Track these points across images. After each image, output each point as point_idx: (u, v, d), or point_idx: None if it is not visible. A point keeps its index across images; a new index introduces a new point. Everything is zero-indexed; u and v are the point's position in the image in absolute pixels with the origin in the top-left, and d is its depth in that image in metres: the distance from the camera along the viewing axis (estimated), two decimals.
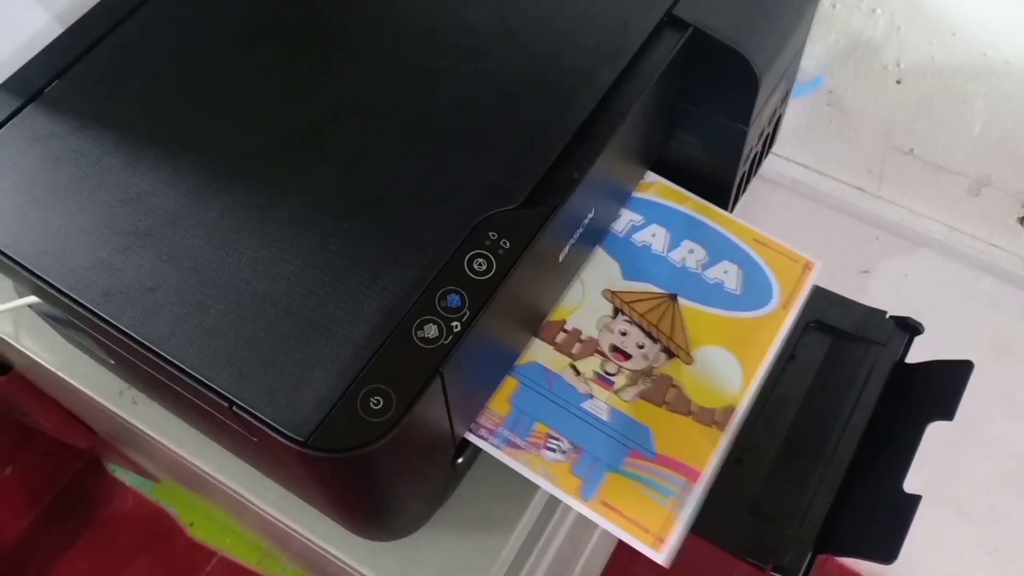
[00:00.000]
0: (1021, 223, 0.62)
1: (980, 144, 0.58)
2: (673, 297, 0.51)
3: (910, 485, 0.43)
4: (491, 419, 0.46)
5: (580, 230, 0.47)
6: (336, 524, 0.49)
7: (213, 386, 0.36)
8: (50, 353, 0.57)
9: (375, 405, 0.36)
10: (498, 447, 0.46)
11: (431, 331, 0.38)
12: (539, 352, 0.49)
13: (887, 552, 0.41)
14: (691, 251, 0.53)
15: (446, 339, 0.38)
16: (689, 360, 0.49)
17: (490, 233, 0.41)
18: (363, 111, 0.45)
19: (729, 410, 0.48)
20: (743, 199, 0.60)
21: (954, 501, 0.76)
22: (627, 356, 0.49)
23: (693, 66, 0.49)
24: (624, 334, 0.50)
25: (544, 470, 0.45)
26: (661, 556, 0.43)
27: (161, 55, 0.47)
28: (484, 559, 0.49)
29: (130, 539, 1.08)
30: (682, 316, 0.51)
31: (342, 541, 0.49)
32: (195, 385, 0.37)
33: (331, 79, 0.46)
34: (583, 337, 0.50)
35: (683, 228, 0.53)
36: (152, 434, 0.54)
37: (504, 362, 0.48)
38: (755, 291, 0.51)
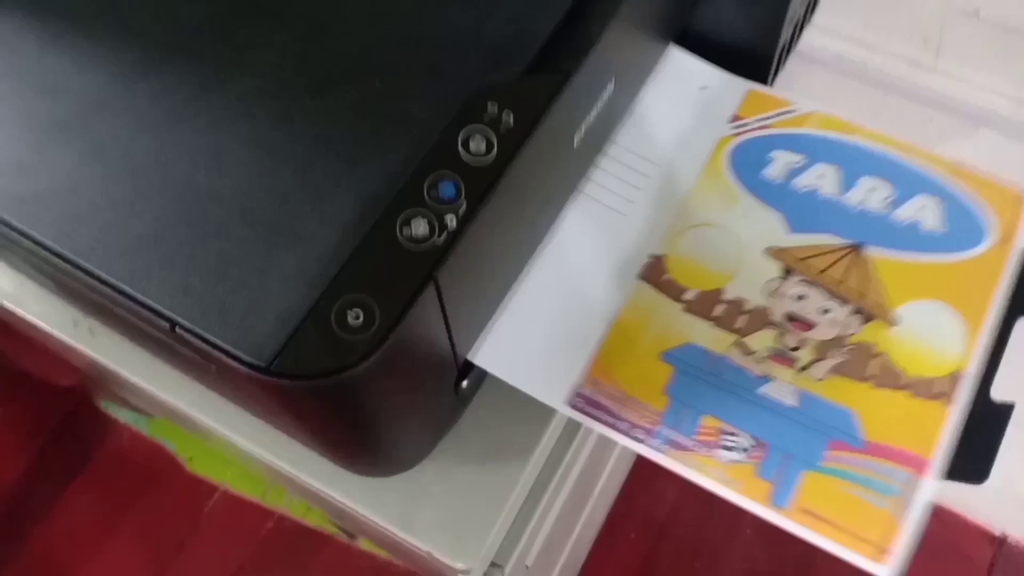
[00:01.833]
0: None
1: None
2: (857, 247, 0.42)
3: (999, 391, 0.37)
4: (645, 416, 0.38)
5: (599, 105, 0.39)
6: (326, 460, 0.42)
7: (150, 303, 0.29)
8: None
9: (354, 320, 0.29)
10: (659, 449, 0.38)
11: (420, 228, 0.30)
12: (693, 330, 0.41)
13: (977, 470, 0.35)
14: (872, 189, 0.43)
15: (439, 237, 0.30)
16: (892, 321, 0.40)
17: (489, 105, 0.33)
18: None
19: (954, 377, 0.39)
20: (779, 82, 0.52)
21: None
22: (810, 325, 0.41)
23: None
24: (801, 298, 0.41)
25: (721, 474, 0.37)
26: (886, 570, 0.35)
27: None
28: (498, 491, 0.43)
29: (128, 477, 1.05)
30: (874, 268, 0.41)
31: (335, 478, 0.43)
32: (131, 304, 0.30)
33: None
34: (748, 307, 0.41)
35: (857, 163, 0.44)
36: (114, 367, 0.48)
37: (516, 264, 0.40)
38: (963, 228, 0.42)
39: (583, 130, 0.39)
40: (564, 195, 0.42)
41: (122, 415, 1.07)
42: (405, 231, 0.30)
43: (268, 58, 0.34)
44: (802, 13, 0.50)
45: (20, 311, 0.50)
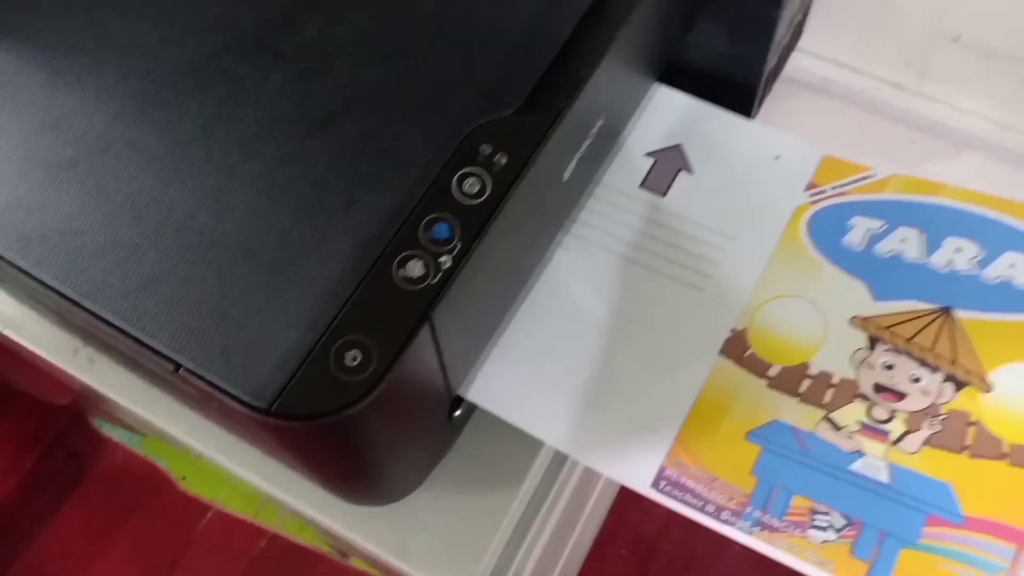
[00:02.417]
0: None
1: None
2: (947, 311, 0.41)
3: None
4: (733, 498, 0.38)
5: (588, 141, 0.40)
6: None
7: (154, 346, 0.30)
8: None
9: (351, 361, 0.29)
10: (749, 532, 0.37)
11: (415, 269, 0.31)
12: (780, 407, 0.39)
13: None
14: (959, 250, 0.42)
15: (434, 278, 0.31)
16: (987, 387, 0.39)
17: (483, 146, 0.34)
18: (324, 3, 0.37)
19: None
20: (766, 105, 0.53)
21: None
22: (900, 396, 0.39)
23: None
24: (890, 367, 0.40)
25: (815, 556, 0.36)
26: None
27: None
28: (490, 517, 0.44)
29: (122, 496, 1.05)
30: (964, 332, 0.40)
31: (330, 507, 0.44)
32: (135, 345, 0.31)
33: None
34: (835, 380, 0.40)
35: (941, 224, 0.43)
36: (113, 397, 0.48)
37: (508, 298, 0.41)
38: None
39: (573, 164, 0.40)
40: (556, 229, 0.43)
41: (116, 433, 1.07)
42: (401, 272, 0.31)
43: (268, 98, 0.35)
44: (787, 40, 0.51)
45: (20, 339, 0.50)
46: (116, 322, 0.31)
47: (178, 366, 0.30)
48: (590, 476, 0.63)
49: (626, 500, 0.99)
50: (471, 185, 0.33)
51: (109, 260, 0.32)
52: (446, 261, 0.32)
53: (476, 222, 0.33)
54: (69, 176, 0.34)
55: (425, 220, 0.32)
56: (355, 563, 0.97)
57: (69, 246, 0.32)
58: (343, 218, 0.32)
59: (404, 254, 0.31)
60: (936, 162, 0.61)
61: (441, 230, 0.32)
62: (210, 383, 0.29)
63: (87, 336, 0.43)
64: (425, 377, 0.34)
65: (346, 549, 0.95)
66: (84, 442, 1.08)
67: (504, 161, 0.33)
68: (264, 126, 0.34)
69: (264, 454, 0.43)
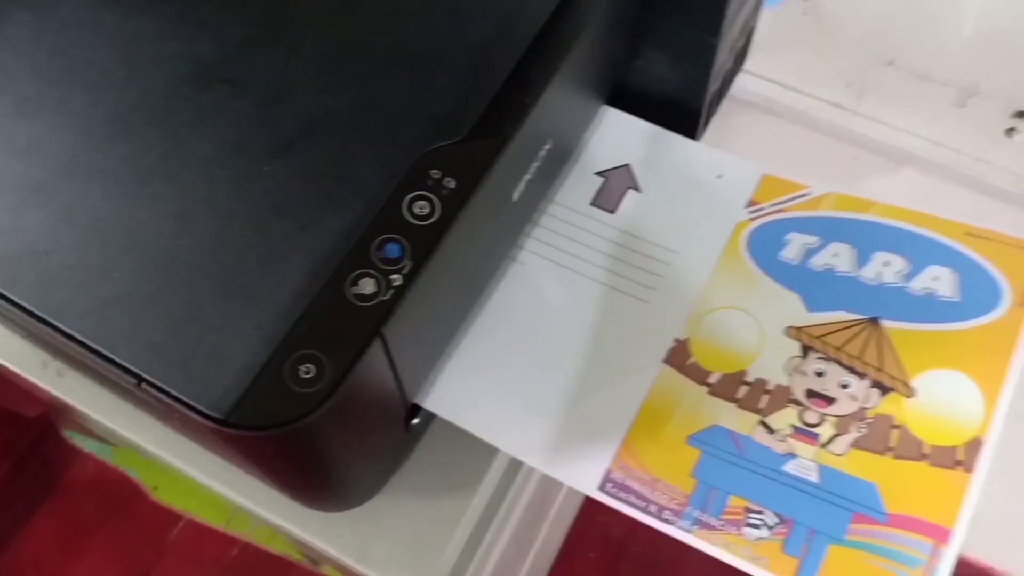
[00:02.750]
0: (1008, 135, 0.58)
1: (970, 49, 0.54)
2: (874, 321, 0.43)
3: None
4: (674, 498, 0.40)
5: (537, 163, 0.42)
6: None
7: (119, 361, 0.32)
8: None
9: (305, 374, 0.31)
10: (688, 530, 0.39)
11: (367, 286, 0.33)
12: (718, 412, 0.42)
13: None
14: (887, 263, 0.44)
15: (385, 295, 0.33)
16: (910, 392, 0.41)
17: (432, 171, 0.36)
18: (282, 35, 0.39)
19: (974, 445, 0.39)
20: (714, 123, 0.56)
21: None
22: (829, 400, 0.42)
23: None
24: (821, 374, 0.42)
25: (749, 552, 0.38)
26: None
27: None
28: (447, 521, 0.45)
29: (93, 506, 1.05)
30: (890, 341, 0.42)
31: (291, 513, 0.46)
32: (100, 360, 0.32)
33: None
34: (770, 387, 0.42)
35: (871, 239, 0.45)
36: (82, 408, 0.50)
37: (461, 312, 0.43)
38: (977, 294, 0.42)
39: (522, 186, 0.42)
40: (508, 245, 0.45)
41: (87, 444, 1.07)
42: (353, 289, 0.33)
43: (228, 125, 0.37)
44: (730, 65, 0.54)
45: None
46: (82, 339, 0.32)
47: (140, 380, 0.32)
48: (552, 480, 0.66)
49: (593, 503, 1.00)
50: (421, 208, 0.35)
51: (75, 279, 0.33)
52: (397, 279, 0.34)
53: (425, 242, 0.35)
54: (37, 199, 0.36)
55: (377, 240, 0.34)
56: (327, 571, 0.98)
57: (37, 266, 0.34)
58: (299, 239, 0.34)
59: (356, 272, 0.33)
60: (876, 177, 0.64)
61: (392, 250, 0.34)
62: (170, 395, 0.31)
63: (55, 351, 0.45)
64: (379, 388, 0.36)
65: (317, 557, 0.97)
66: (56, 453, 1.08)
67: (452, 185, 0.36)
68: (224, 152, 0.36)
69: (227, 461, 0.45)
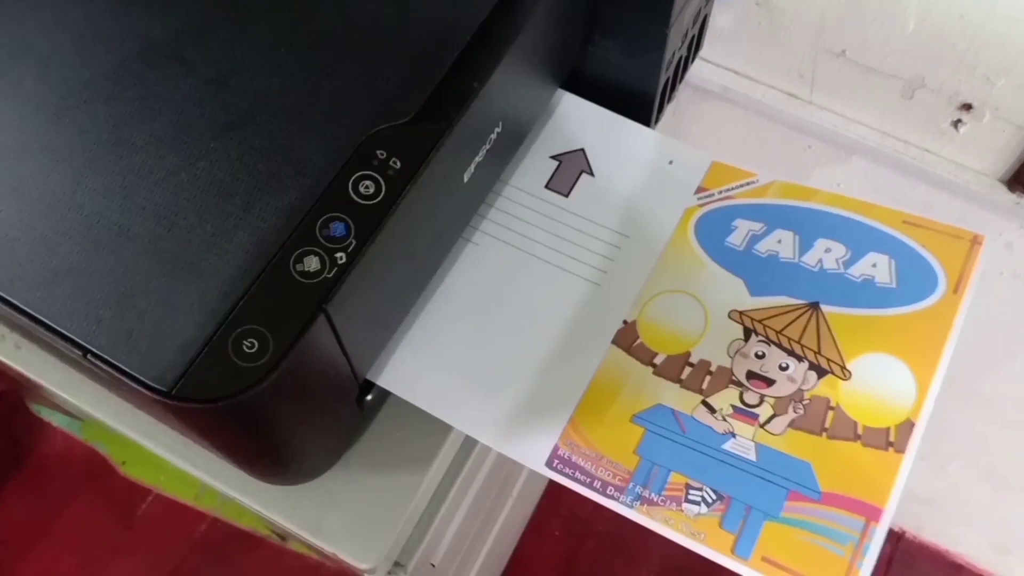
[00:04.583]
0: (955, 127, 0.60)
1: (914, 43, 0.55)
2: (814, 306, 0.44)
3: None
4: (617, 475, 0.41)
5: (487, 147, 0.43)
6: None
7: (65, 333, 0.33)
8: None
9: (249, 348, 0.32)
10: (630, 506, 0.40)
11: (312, 264, 0.34)
12: (663, 392, 0.43)
13: None
14: (827, 250, 0.45)
15: (329, 272, 0.34)
16: (846, 375, 0.43)
17: (378, 152, 0.37)
18: (232, 16, 0.40)
19: (907, 427, 0.41)
20: (670, 109, 0.57)
21: None
22: (769, 382, 0.43)
23: None
24: (761, 356, 0.43)
25: (688, 528, 0.39)
26: None
27: None
28: (401, 496, 0.47)
29: (63, 481, 1.06)
30: (828, 325, 0.44)
31: (249, 486, 0.46)
32: (48, 333, 0.33)
33: None
34: (713, 368, 0.43)
35: (813, 227, 0.46)
36: (40, 381, 0.50)
37: (412, 291, 0.44)
38: (914, 280, 0.44)
39: (472, 168, 0.43)
40: (460, 226, 0.46)
41: (55, 419, 1.07)
42: (298, 267, 0.34)
43: (177, 103, 0.37)
44: (684, 54, 0.55)
45: None
46: (29, 311, 0.33)
47: (86, 352, 0.32)
48: (512, 462, 0.67)
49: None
50: (366, 187, 0.36)
51: (23, 253, 0.34)
52: (341, 257, 0.35)
53: (370, 221, 0.35)
54: None
55: (322, 219, 0.35)
56: (294, 546, 0.99)
57: None
58: (245, 216, 0.35)
59: (301, 250, 0.34)
60: (828, 166, 0.65)
61: (337, 228, 0.35)
62: (116, 368, 0.32)
63: (10, 324, 0.45)
64: (326, 364, 0.37)
65: (284, 532, 0.98)
66: (24, 428, 1.08)
67: (398, 165, 0.36)
68: (172, 129, 0.37)
69: (181, 434, 0.46)
